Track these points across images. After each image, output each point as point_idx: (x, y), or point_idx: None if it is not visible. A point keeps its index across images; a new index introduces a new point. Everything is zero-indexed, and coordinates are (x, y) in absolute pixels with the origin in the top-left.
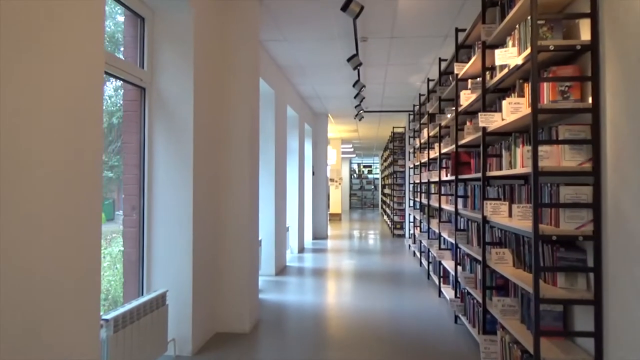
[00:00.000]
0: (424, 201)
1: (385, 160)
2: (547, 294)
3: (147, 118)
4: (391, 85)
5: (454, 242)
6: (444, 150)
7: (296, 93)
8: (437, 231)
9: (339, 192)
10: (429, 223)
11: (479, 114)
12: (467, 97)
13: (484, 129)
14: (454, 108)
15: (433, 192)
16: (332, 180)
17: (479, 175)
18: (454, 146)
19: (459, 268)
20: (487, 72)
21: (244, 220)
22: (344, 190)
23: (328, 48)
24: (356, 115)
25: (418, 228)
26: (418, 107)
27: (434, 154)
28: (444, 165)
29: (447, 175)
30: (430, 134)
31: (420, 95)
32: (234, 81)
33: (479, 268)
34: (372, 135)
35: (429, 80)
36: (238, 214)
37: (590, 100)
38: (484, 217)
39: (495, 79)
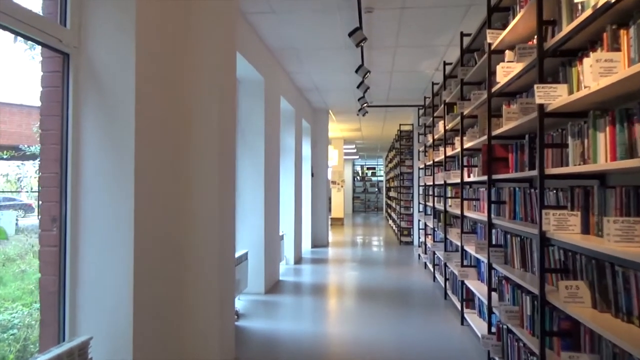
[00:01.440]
0: (439, 206)
1: (390, 162)
2: None
3: (72, 96)
4: (399, 75)
5: (485, 260)
6: (467, 145)
7: (292, 84)
8: (457, 243)
9: (341, 195)
10: (445, 232)
11: (536, 86)
12: (506, 72)
13: (540, 107)
14: (482, 91)
15: (450, 195)
16: (334, 182)
17: (533, 173)
18: (485, 137)
19: (494, 295)
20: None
21: (213, 231)
22: (346, 193)
23: (325, 23)
24: (360, 110)
25: (430, 237)
26: (430, 98)
27: (451, 150)
28: (466, 164)
29: (470, 176)
30: (447, 128)
31: (433, 84)
32: (198, 52)
33: (527, 300)
34: (376, 134)
35: (445, 63)
36: (205, 225)
37: None
38: (543, 233)
39: (562, 33)
